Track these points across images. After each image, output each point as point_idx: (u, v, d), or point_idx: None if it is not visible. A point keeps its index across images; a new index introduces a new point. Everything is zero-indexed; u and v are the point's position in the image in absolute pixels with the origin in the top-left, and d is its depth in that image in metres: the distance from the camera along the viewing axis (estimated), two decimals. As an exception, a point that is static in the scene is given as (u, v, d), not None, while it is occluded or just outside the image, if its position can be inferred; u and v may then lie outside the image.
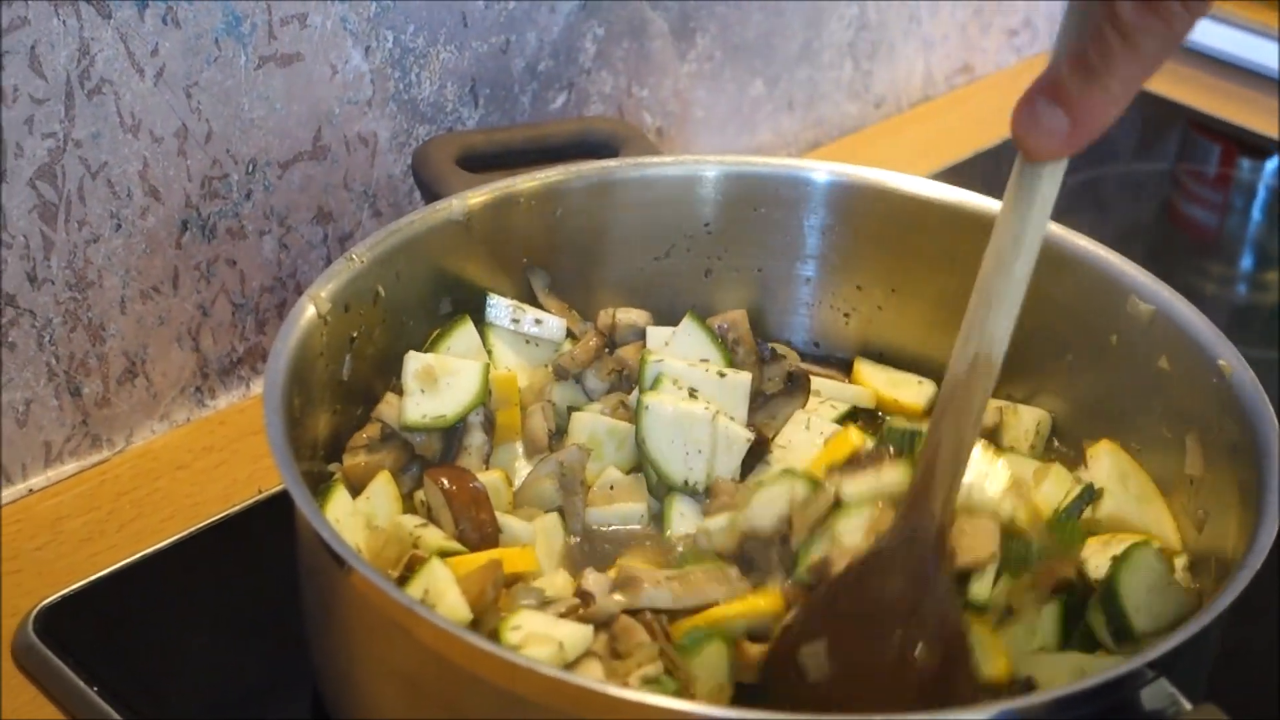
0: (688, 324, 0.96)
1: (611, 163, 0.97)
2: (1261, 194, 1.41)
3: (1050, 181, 0.70)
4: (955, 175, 1.27)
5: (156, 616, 0.91)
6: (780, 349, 1.00)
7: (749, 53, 1.29)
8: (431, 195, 0.93)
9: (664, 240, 0.98)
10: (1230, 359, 0.84)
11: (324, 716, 0.84)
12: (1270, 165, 1.39)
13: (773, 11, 1.30)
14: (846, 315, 0.99)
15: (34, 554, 0.92)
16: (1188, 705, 0.68)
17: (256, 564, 0.89)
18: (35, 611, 0.87)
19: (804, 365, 0.99)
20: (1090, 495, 0.90)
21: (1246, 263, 1.37)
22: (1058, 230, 0.96)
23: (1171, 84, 1.46)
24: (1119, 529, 0.89)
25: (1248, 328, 1.29)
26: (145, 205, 0.96)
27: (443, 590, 0.79)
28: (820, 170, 0.99)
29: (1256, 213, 1.40)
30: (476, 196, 0.92)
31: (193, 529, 0.94)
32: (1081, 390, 0.97)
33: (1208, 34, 1.46)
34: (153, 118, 0.94)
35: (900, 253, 1.00)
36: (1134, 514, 0.89)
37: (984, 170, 1.31)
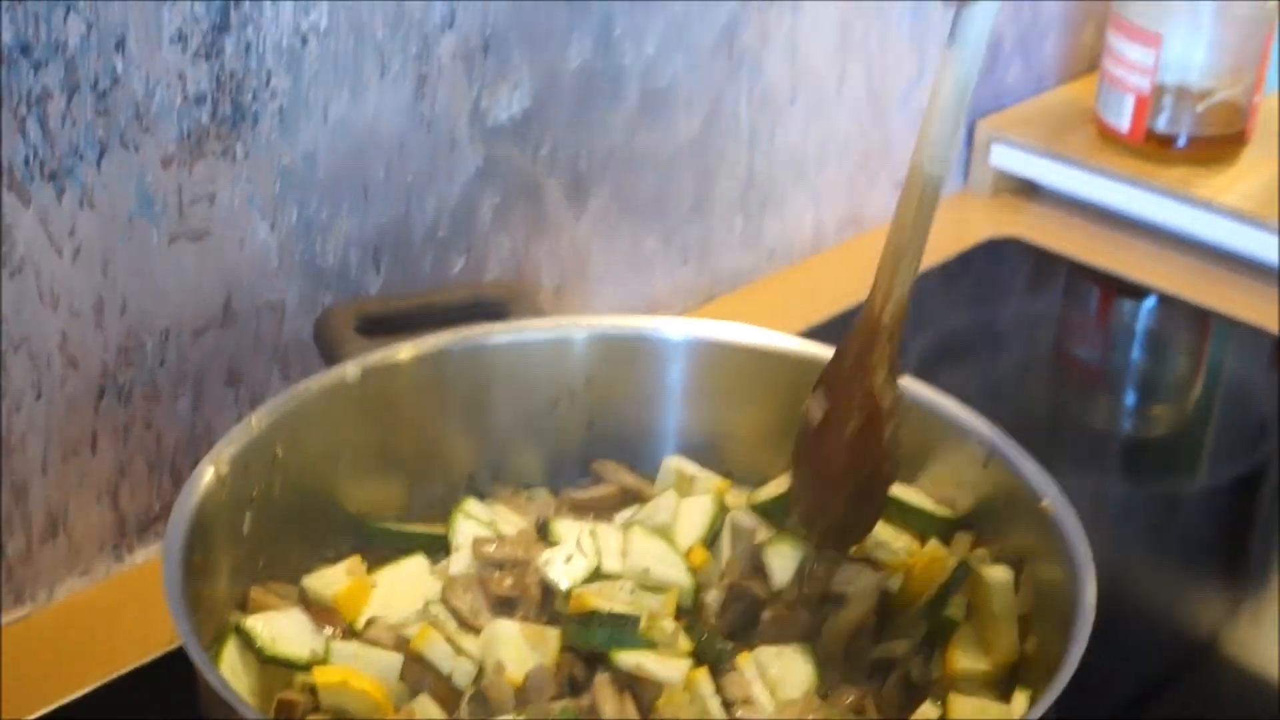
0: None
1: (494, 326, 0.97)
2: (1140, 334, 1.43)
3: (983, 19, 0.76)
4: (846, 321, 1.26)
5: None
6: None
7: (642, 210, 1.29)
8: (332, 360, 0.94)
9: (547, 397, 0.99)
10: (1053, 498, 0.85)
11: None
12: (1147, 305, 1.41)
13: (664, 171, 1.30)
14: (706, 449, 1.01)
15: None
16: None
17: (171, 708, 0.87)
18: None
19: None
20: (965, 572, 0.89)
21: (1130, 398, 1.38)
22: (907, 383, 0.94)
23: (1054, 233, 1.48)
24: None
25: (1136, 460, 1.28)
26: (64, 374, 0.97)
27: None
28: (678, 328, 1.00)
29: (1136, 351, 1.42)
30: (369, 360, 0.93)
31: (112, 675, 0.93)
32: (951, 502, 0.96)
33: (1088, 185, 1.50)
34: (71, 293, 0.96)
35: (749, 397, 1.00)
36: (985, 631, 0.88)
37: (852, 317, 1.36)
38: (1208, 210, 1.42)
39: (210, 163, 0.99)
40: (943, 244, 1.46)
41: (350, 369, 0.92)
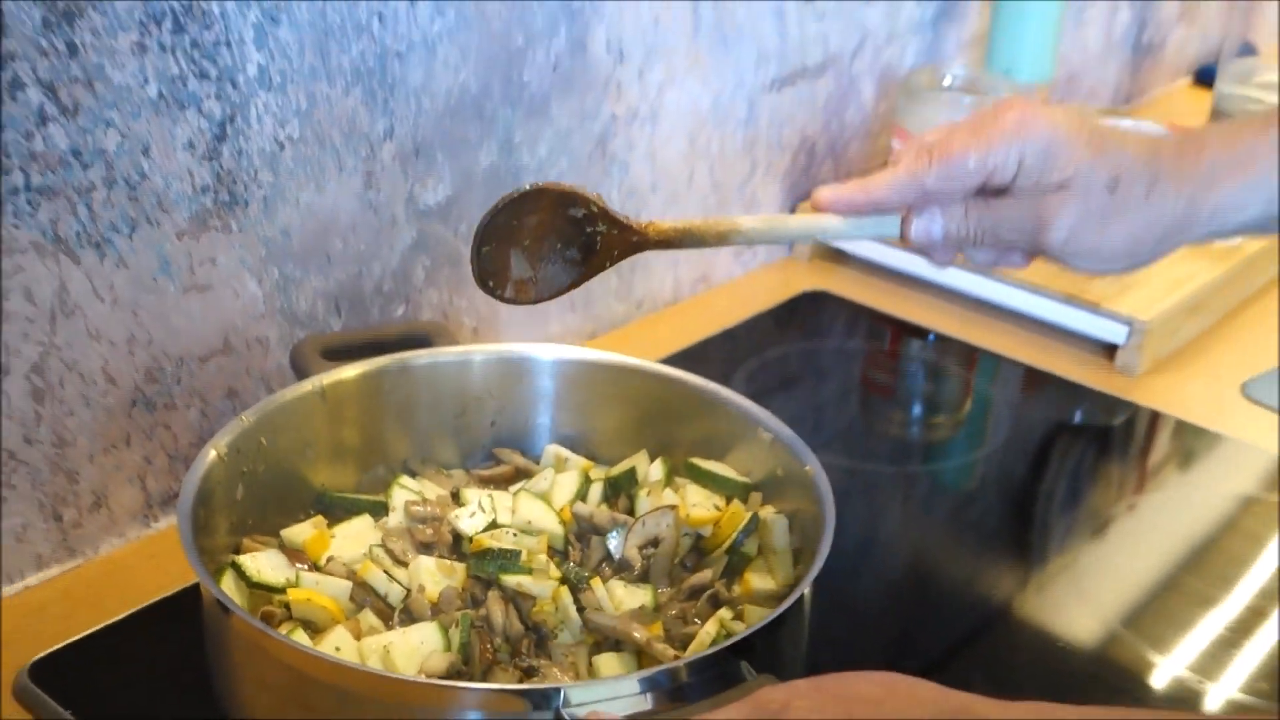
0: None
1: (418, 352, 0.98)
2: (922, 363, 1.42)
3: None
4: (695, 352, 1.31)
5: (120, 667, 0.90)
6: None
7: None
8: (303, 378, 0.95)
9: (458, 404, 1.00)
10: (814, 466, 0.88)
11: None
12: (928, 341, 1.41)
13: None
14: (576, 440, 1.02)
15: (28, 629, 0.93)
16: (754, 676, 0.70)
17: (183, 631, 0.87)
18: (30, 664, 0.88)
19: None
20: (755, 521, 0.90)
21: (916, 411, 1.37)
22: (711, 386, 0.96)
23: (856, 288, 1.48)
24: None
25: (919, 455, 1.27)
26: (105, 389, 0.97)
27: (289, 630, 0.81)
28: (548, 351, 1.01)
29: (920, 376, 1.41)
30: (329, 377, 0.94)
31: (143, 605, 0.94)
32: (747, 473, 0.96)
33: (880, 252, 1.49)
34: (110, 330, 0.96)
35: (604, 401, 1.01)
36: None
37: (712, 350, 1.35)
38: (970, 270, 1.41)
39: (212, 236, 1.00)
40: (773, 294, 1.46)
41: (315, 383, 0.93)
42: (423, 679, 0.75)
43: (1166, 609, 1.03)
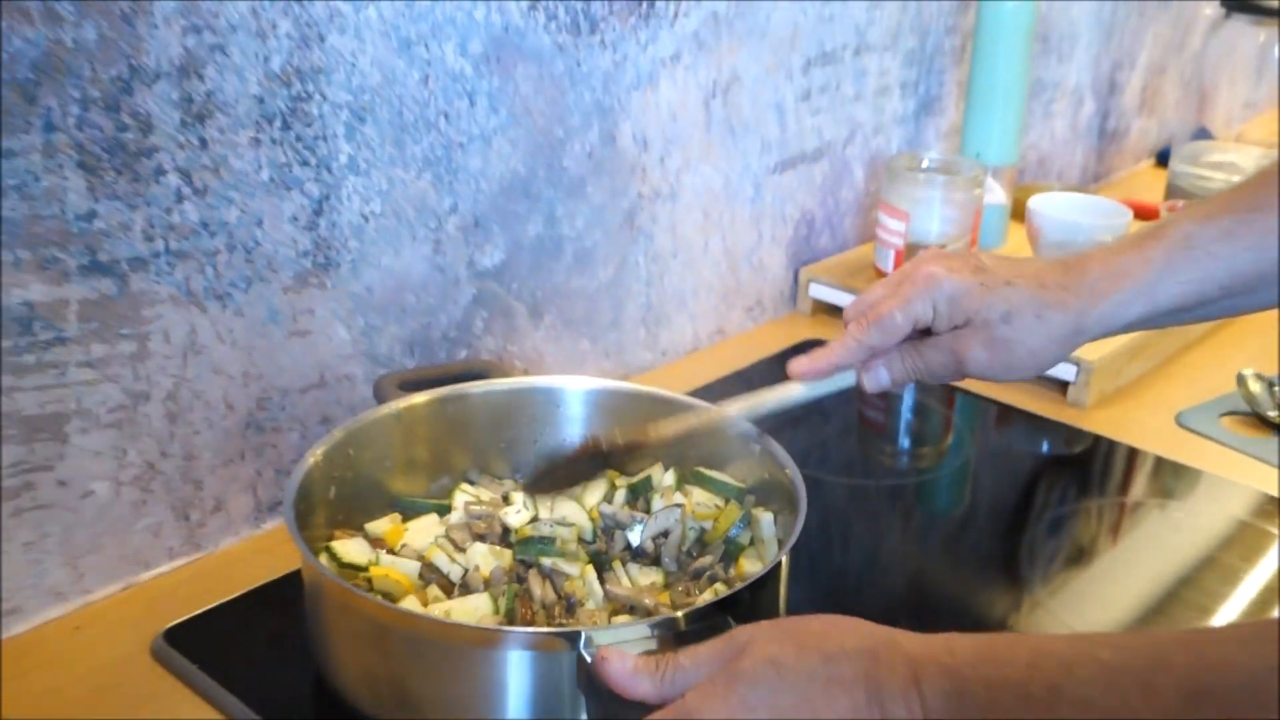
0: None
1: (476, 384, 1.02)
2: (907, 403, 1.43)
3: None
4: (709, 391, 1.33)
5: (234, 632, 0.95)
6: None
7: (578, 325, 1.30)
8: (383, 403, 0.98)
9: (508, 426, 1.04)
10: (792, 470, 0.91)
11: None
12: (912, 387, 1.36)
13: (591, 301, 1.31)
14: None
15: (162, 606, 0.97)
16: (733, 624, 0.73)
17: (288, 604, 0.92)
18: (164, 630, 0.94)
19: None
20: (748, 518, 0.94)
21: (904, 443, 1.39)
22: (713, 408, 0.94)
23: (834, 334, 1.39)
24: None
25: (907, 478, 1.28)
26: (225, 414, 1.01)
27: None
28: (579, 383, 1.05)
29: (908, 414, 1.42)
30: (403, 403, 0.99)
31: (252, 587, 0.99)
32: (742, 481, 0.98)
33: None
34: (229, 366, 1.00)
35: (624, 423, 1.00)
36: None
37: (724, 388, 1.37)
38: None
39: (311, 291, 1.03)
40: (779, 342, 1.49)
41: (392, 407, 0.98)
42: (476, 624, 0.82)
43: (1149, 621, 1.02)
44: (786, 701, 0.64)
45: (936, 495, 1.26)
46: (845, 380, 0.90)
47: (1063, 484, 1.26)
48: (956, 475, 1.29)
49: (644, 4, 1.25)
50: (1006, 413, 1.38)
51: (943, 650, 0.64)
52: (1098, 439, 1.33)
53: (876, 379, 0.90)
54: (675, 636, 0.75)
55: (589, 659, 0.73)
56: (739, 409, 0.91)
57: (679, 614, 0.77)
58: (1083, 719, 0.56)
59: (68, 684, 0.90)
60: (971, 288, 0.86)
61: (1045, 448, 1.34)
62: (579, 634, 0.74)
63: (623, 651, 0.72)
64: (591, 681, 0.73)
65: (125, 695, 0.89)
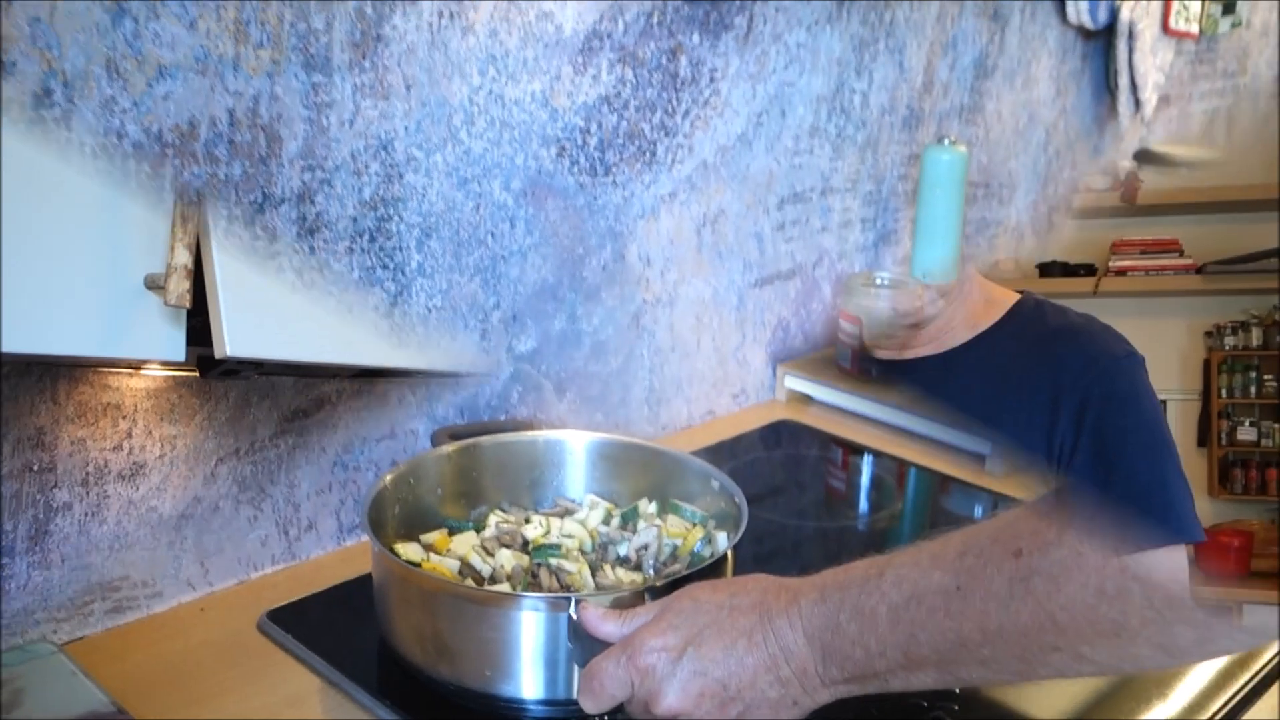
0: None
1: (506, 435, 1.12)
2: (866, 473, 1.47)
3: None
4: (696, 455, 1.27)
5: (320, 614, 1.03)
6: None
7: (594, 401, 1.36)
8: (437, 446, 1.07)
9: (531, 468, 1.13)
10: (740, 499, 1.01)
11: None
12: (869, 458, 1.45)
13: (604, 384, 1.37)
14: (602, 491, 1.12)
15: (265, 596, 1.06)
16: None
17: (359, 597, 1.00)
18: (266, 611, 1.04)
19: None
20: (709, 537, 1.02)
21: (864, 508, 1.41)
22: (686, 456, 1.07)
23: (819, 419, 1.52)
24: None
25: (861, 540, 1.30)
26: (319, 455, 1.10)
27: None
28: (585, 438, 1.14)
29: (865, 482, 1.45)
30: (452, 447, 1.09)
31: (335, 583, 1.07)
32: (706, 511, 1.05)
33: (834, 396, 1.55)
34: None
35: (620, 468, 1.13)
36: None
37: (709, 455, 1.36)
38: (894, 409, 1.49)
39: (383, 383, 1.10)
40: (758, 420, 1.54)
41: (442, 450, 1.09)
42: (498, 589, 0.96)
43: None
44: (701, 621, 0.79)
45: (889, 535, 1.30)
46: None
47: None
48: (910, 532, 1.33)
49: (648, 154, 1.32)
50: (948, 480, 1.41)
51: (816, 578, 0.77)
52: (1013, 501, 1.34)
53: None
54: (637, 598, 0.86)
55: (575, 617, 0.89)
56: None
57: (645, 586, 0.90)
58: (899, 590, 0.69)
59: (195, 647, 1.00)
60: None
61: (978, 510, 1.37)
62: (570, 598, 0.90)
63: (598, 603, 0.87)
64: (577, 633, 0.85)
65: (237, 657, 0.99)
